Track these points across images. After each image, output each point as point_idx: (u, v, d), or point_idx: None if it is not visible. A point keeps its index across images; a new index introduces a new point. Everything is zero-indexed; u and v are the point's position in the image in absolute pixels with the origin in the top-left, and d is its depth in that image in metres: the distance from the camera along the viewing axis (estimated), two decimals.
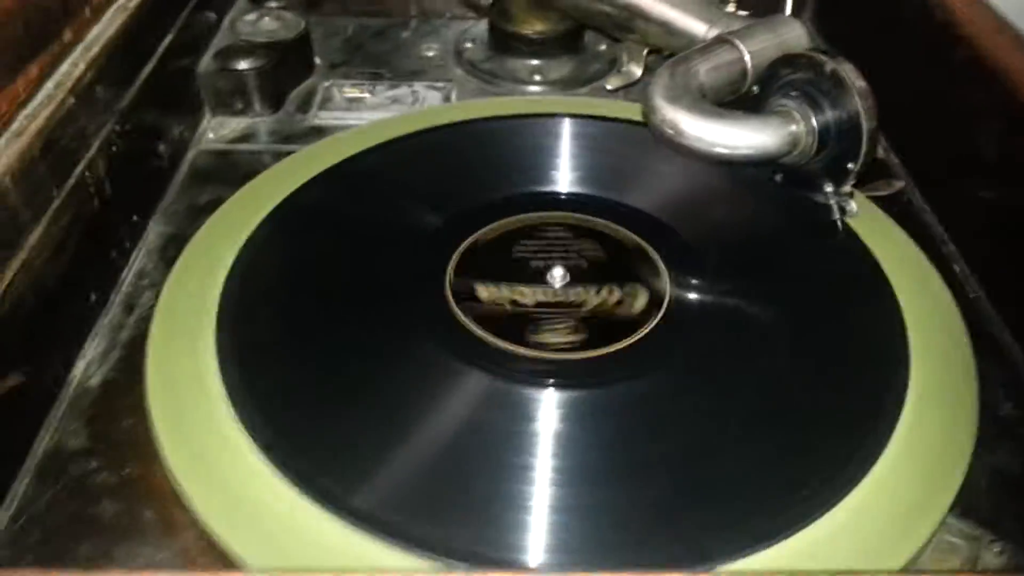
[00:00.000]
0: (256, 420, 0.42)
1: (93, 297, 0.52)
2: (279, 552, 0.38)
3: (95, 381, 0.48)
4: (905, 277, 0.52)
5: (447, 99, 0.74)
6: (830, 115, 0.52)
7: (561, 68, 0.77)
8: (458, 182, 0.60)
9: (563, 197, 0.60)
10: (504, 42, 0.77)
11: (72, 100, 0.50)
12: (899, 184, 0.64)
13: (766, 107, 0.56)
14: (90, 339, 0.51)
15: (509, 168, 0.62)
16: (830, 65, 0.51)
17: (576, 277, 0.52)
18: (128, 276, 0.55)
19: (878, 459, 0.41)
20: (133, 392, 0.47)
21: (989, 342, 0.52)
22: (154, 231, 0.59)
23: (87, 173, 0.51)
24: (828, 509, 0.39)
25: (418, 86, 0.75)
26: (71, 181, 0.50)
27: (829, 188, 0.54)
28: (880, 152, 0.68)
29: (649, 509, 0.40)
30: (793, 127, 0.53)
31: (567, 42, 0.77)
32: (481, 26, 0.82)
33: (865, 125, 0.51)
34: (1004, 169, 0.55)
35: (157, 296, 0.51)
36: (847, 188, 0.54)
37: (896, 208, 0.62)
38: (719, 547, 0.37)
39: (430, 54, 0.80)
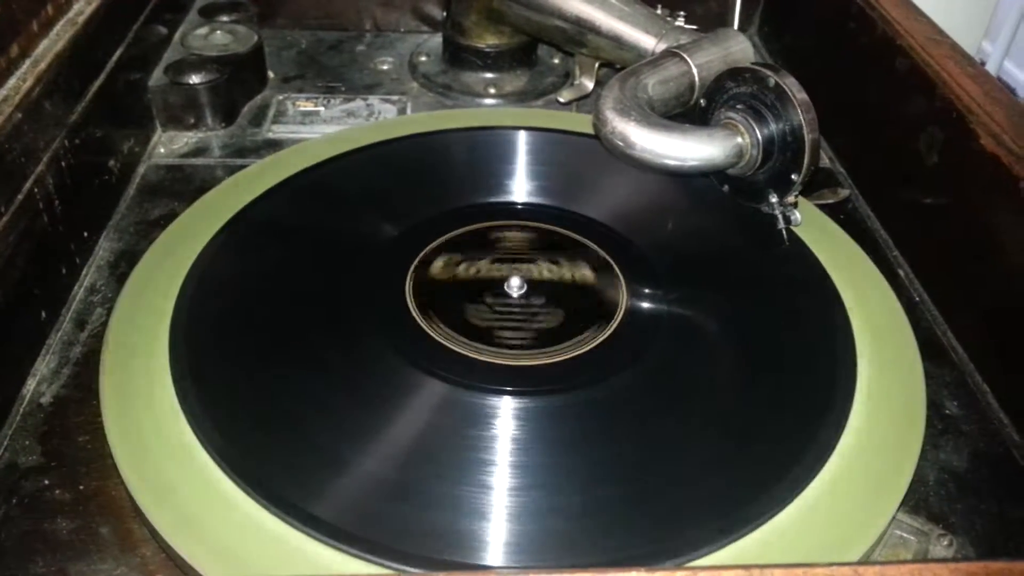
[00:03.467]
0: (212, 433, 0.42)
1: (43, 314, 0.51)
2: (238, 563, 0.37)
3: (47, 398, 0.47)
4: (852, 282, 0.53)
5: (402, 112, 0.74)
6: (774, 127, 0.53)
7: (515, 81, 0.78)
8: (414, 194, 0.60)
9: (518, 207, 0.60)
10: (458, 56, 0.78)
11: (19, 115, 0.50)
12: (845, 192, 0.66)
13: (713, 120, 0.57)
14: (41, 356, 0.50)
15: (464, 180, 0.62)
16: (773, 79, 0.53)
17: (532, 285, 0.53)
18: (79, 292, 0.55)
19: (829, 458, 0.42)
20: (86, 408, 0.47)
21: (934, 344, 0.54)
22: (105, 247, 0.58)
23: (36, 189, 0.51)
24: (782, 508, 0.40)
25: (373, 99, 0.75)
26: (19, 197, 0.49)
27: (774, 198, 0.55)
28: (826, 161, 0.70)
29: (608, 509, 0.41)
30: (739, 139, 0.54)
31: (521, 56, 0.78)
32: (435, 40, 0.83)
33: (807, 137, 0.52)
34: (945, 175, 0.57)
35: (109, 312, 0.50)
36: (791, 198, 0.55)
37: (842, 215, 0.64)
38: (678, 544, 0.38)
39: (385, 67, 0.81)
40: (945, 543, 0.42)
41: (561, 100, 0.73)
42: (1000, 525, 0.43)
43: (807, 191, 0.60)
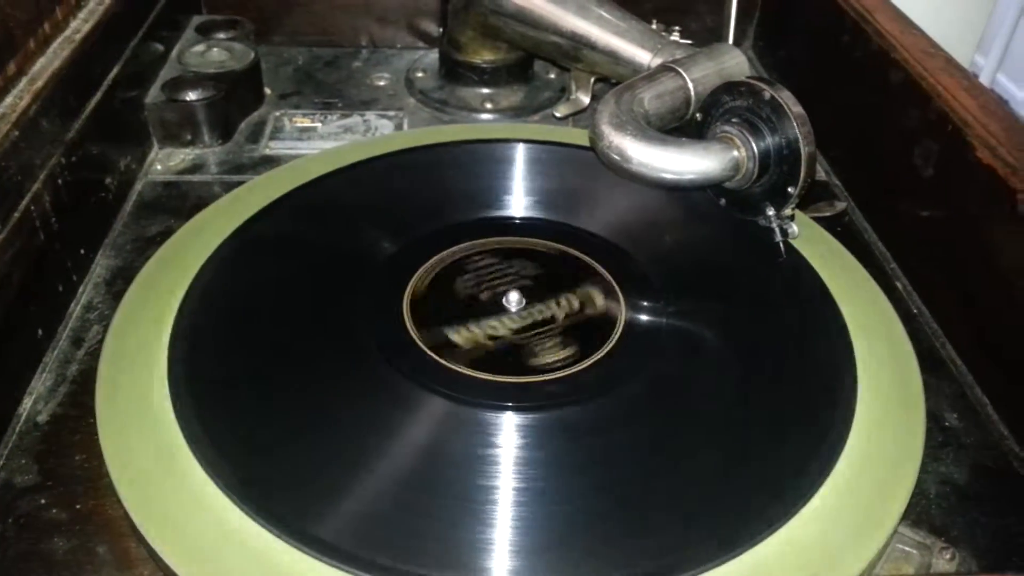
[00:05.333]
0: (210, 451, 0.42)
1: (40, 332, 0.51)
2: None
3: (43, 417, 0.47)
4: (850, 295, 0.53)
5: (399, 128, 0.74)
6: (770, 141, 0.54)
7: (511, 96, 0.78)
8: (411, 209, 0.60)
9: (516, 222, 0.60)
10: (455, 71, 0.78)
11: (16, 133, 0.49)
12: (841, 205, 0.66)
13: (709, 133, 0.57)
14: (37, 374, 0.50)
15: (461, 195, 0.62)
16: (769, 92, 0.53)
17: (528, 298, 0.53)
18: (75, 310, 0.54)
19: (830, 473, 0.42)
20: (83, 427, 0.46)
21: (933, 356, 0.54)
22: (101, 264, 0.58)
23: (32, 207, 0.51)
24: (783, 523, 0.40)
25: (370, 115, 0.75)
26: (16, 215, 0.49)
27: (771, 211, 0.55)
28: (822, 174, 0.70)
29: (609, 527, 0.40)
30: (735, 153, 0.54)
31: (517, 71, 0.79)
32: (432, 55, 0.83)
33: (803, 150, 0.52)
34: (941, 187, 0.57)
35: (105, 330, 0.50)
36: (788, 211, 0.55)
37: (839, 228, 0.64)
38: (678, 561, 0.38)
39: (381, 83, 0.81)
40: (947, 556, 0.42)
41: (557, 115, 0.73)
42: (1003, 538, 0.43)
43: (804, 204, 0.60)
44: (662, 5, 0.81)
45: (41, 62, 0.56)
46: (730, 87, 0.56)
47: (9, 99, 0.51)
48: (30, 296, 0.50)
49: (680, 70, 0.58)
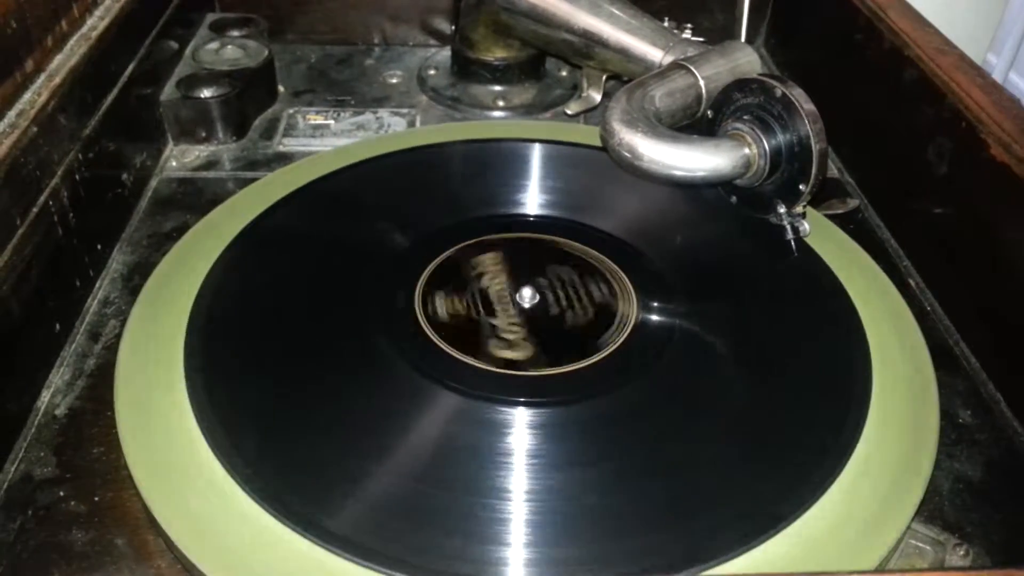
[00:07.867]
0: (227, 444, 0.42)
1: (58, 326, 0.51)
2: (254, 575, 0.37)
3: (62, 410, 0.48)
4: (863, 292, 0.53)
5: (411, 125, 0.75)
6: (781, 138, 0.54)
7: (523, 94, 0.79)
8: (423, 206, 0.61)
9: (529, 219, 0.60)
10: (467, 69, 0.79)
11: (35, 129, 0.50)
12: (854, 202, 0.66)
13: (720, 130, 0.57)
14: (55, 368, 0.50)
15: (473, 192, 0.63)
16: (780, 90, 0.53)
17: (544, 298, 0.53)
18: (92, 305, 0.55)
19: (844, 468, 0.42)
20: (100, 420, 0.47)
21: (946, 353, 0.54)
22: (118, 259, 0.59)
23: (50, 202, 0.51)
24: (796, 518, 0.40)
25: (382, 112, 0.76)
26: (34, 210, 0.49)
27: (782, 209, 0.55)
28: (835, 172, 0.70)
29: (624, 520, 0.41)
30: (746, 150, 0.54)
31: (529, 68, 0.79)
32: (444, 53, 0.83)
33: (815, 147, 0.52)
34: (955, 185, 0.57)
35: (122, 324, 0.51)
36: (799, 208, 0.55)
37: (852, 226, 0.64)
38: (693, 554, 0.38)
39: (394, 81, 0.81)
40: (961, 553, 0.42)
41: (569, 112, 0.73)
42: (1016, 534, 0.43)
43: (817, 202, 0.61)
44: (674, 3, 0.81)
45: (58, 59, 0.56)
46: (741, 84, 0.56)
47: (28, 95, 0.52)
48: (48, 291, 0.50)
49: (692, 67, 0.58)
